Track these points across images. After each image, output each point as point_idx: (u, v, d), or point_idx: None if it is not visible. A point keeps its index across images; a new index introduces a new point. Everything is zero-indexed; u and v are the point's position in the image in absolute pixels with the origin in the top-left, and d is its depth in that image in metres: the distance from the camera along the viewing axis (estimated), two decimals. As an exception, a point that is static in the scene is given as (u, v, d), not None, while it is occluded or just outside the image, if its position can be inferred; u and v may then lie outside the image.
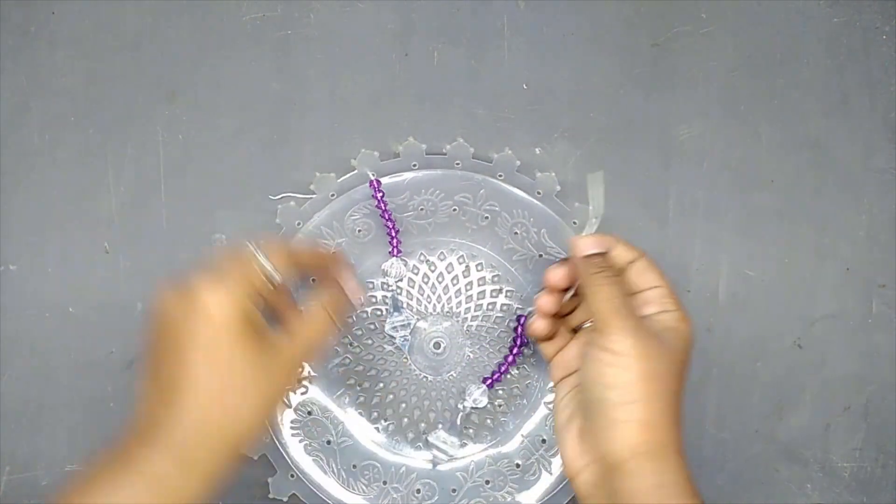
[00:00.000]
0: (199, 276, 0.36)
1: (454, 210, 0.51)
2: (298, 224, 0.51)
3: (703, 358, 0.53)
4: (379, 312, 0.51)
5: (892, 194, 0.54)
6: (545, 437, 0.50)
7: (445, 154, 0.52)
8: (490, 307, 0.51)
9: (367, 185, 0.50)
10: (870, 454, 0.53)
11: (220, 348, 0.35)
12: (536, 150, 0.54)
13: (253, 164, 0.53)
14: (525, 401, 0.51)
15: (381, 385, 0.51)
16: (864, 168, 0.54)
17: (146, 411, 0.36)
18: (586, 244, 0.40)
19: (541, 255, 0.51)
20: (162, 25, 0.53)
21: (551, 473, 0.50)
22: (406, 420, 0.51)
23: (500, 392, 0.51)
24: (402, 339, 0.51)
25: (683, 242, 0.54)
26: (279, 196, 0.52)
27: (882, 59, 0.55)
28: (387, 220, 0.50)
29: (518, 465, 0.50)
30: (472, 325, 0.51)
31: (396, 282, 0.51)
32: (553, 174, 0.52)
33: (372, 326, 0.51)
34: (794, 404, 0.53)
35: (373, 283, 0.51)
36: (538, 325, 0.44)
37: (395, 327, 0.51)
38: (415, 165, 0.52)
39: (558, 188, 0.52)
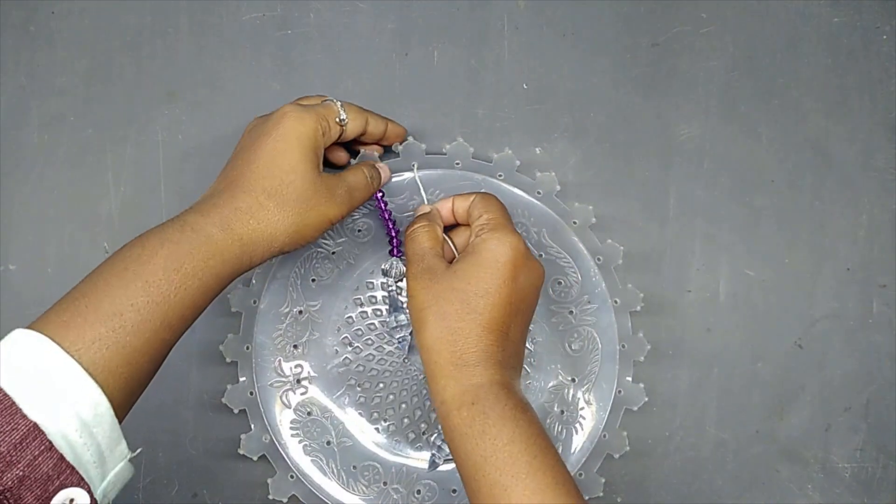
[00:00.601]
0: (288, 105, 0.44)
1: None
2: None
3: (704, 358, 0.53)
4: (379, 313, 0.51)
5: (892, 194, 0.54)
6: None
7: (445, 154, 0.52)
8: None
9: None
10: (870, 454, 0.53)
11: (285, 156, 0.41)
12: (536, 149, 0.54)
13: (253, 163, 0.53)
14: None
15: (381, 385, 0.51)
16: (864, 168, 0.54)
17: (208, 194, 0.42)
18: (417, 211, 0.48)
19: (541, 255, 0.51)
20: (162, 25, 0.53)
21: None
22: (406, 420, 0.50)
23: None
24: (401, 340, 0.50)
25: (683, 242, 0.54)
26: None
27: (882, 59, 0.55)
28: (387, 221, 0.50)
29: None
30: None
31: (396, 282, 0.51)
32: (553, 174, 0.52)
33: (372, 327, 0.51)
34: (795, 404, 0.53)
35: (372, 283, 0.51)
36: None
37: (394, 327, 0.51)
38: (414, 165, 0.52)
39: (558, 188, 0.52)
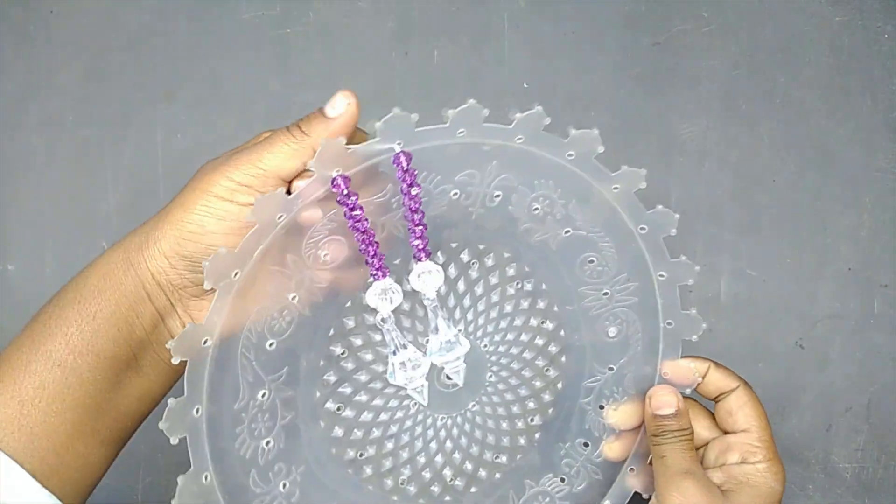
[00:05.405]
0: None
1: (454, 195, 0.38)
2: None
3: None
4: (372, 362, 0.39)
5: (894, 194, 0.54)
6: (587, 441, 0.43)
7: (447, 124, 0.36)
8: (506, 314, 0.41)
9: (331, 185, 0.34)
10: (871, 455, 0.53)
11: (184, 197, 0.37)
12: (537, 149, 0.53)
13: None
14: (553, 409, 0.43)
15: (390, 446, 0.40)
16: (866, 168, 0.54)
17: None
18: (658, 403, 0.39)
19: (567, 232, 0.40)
20: (160, 24, 0.53)
21: (600, 476, 0.43)
22: (428, 474, 0.42)
23: (531, 405, 0.43)
24: (417, 388, 0.39)
25: (684, 242, 0.53)
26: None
27: (883, 59, 0.54)
28: (359, 232, 0.34)
29: (563, 480, 0.43)
30: (484, 344, 0.42)
31: (392, 312, 0.37)
32: (596, 131, 0.37)
33: (359, 381, 0.39)
34: (796, 405, 0.53)
35: (349, 323, 0.38)
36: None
37: (404, 373, 0.38)
38: (399, 144, 0.35)
39: (601, 149, 0.38)
